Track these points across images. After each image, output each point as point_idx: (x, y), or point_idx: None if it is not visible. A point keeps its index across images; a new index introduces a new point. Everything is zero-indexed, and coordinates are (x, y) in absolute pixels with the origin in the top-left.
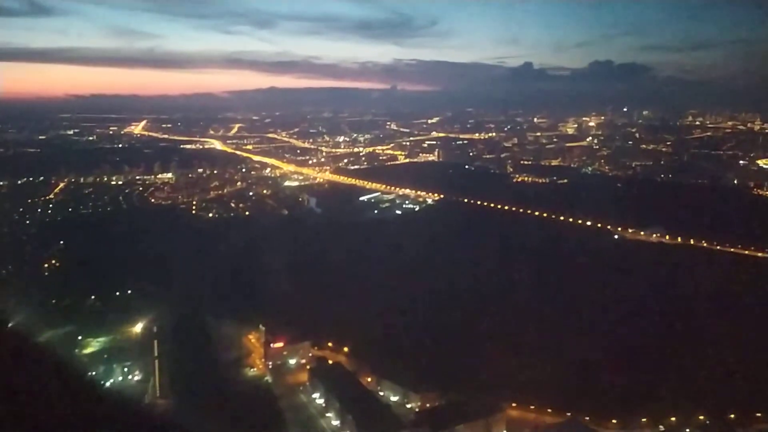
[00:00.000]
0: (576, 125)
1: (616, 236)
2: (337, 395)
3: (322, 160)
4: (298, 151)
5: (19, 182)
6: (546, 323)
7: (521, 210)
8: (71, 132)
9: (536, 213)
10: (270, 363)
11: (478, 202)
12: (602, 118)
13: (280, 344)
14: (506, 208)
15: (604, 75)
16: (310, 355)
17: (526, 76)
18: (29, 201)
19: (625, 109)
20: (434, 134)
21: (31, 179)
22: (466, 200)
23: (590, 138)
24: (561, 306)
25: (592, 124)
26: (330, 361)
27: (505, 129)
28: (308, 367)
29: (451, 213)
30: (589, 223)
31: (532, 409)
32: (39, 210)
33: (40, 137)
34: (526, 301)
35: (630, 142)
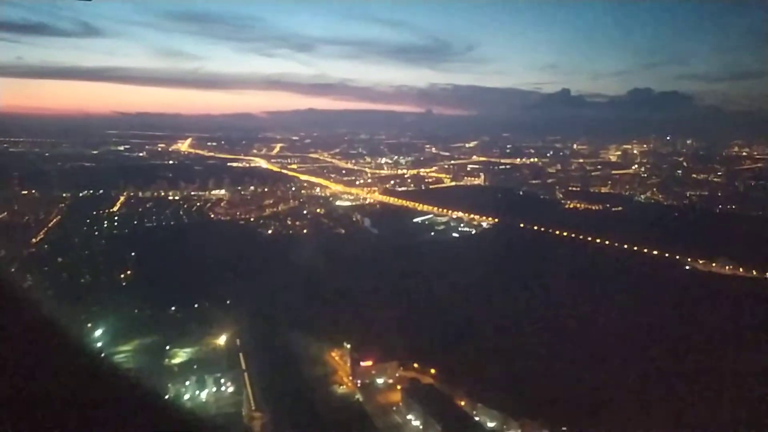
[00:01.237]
0: (619, 152)
1: (687, 267)
2: (436, 418)
3: (369, 180)
4: (343, 172)
5: (81, 195)
6: (648, 358)
7: (581, 237)
8: (122, 148)
9: (597, 240)
10: (358, 381)
11: (535, 227)
12: (644, 146)
13: (368, 363)
14: (564, 234)
15: (643, 103)
16: (397, 375)
17: (564, 103)
18: (94, 213)
19: (668, 138)
20: (475, 158)
21: (91, 192)
22: (522, 225)
23: (636, 166)
24: (664, 339)
25: (635, 152)
26: (422, 383)
27: (548, 155)
28: (398, 387)
29: (508, 237)
30: (655, 252)
31: None
32: (105, 222)
33: (93, 152)
34: (620, 332)
35: (679, 172)
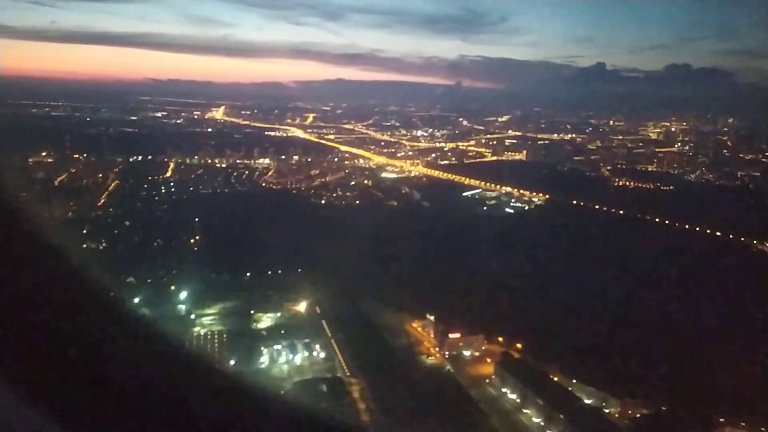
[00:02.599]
0: (659, 130)
1: (753, 249)
2: (534, 392)
3: (410, 153)
4: (382, 144)
5: (131, 160)
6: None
7: (639, 216)
8: (159, 114)
9: (656, 220)
10: (446, 353)
11: (590, 205)
12: (684, 124)
13: (457, 335)
14: (621, 212)
15: (682, 79)
16: (483, 348)
17: (599, 77)
18: (149, 178)
19: (709, 116)
20: (511, 132)
21: (140, 158)
22: (575, 202)
23: (679, 144)
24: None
25: (674, 129)
26: (514, 357)
27: (586, 131)
28: (487, 360)
29: (564, 214)
30: (718, 233)
31: (743, 426)
32: (162, 188)
33: (132, 118)
34: (709, 310)
35: (725, 151)
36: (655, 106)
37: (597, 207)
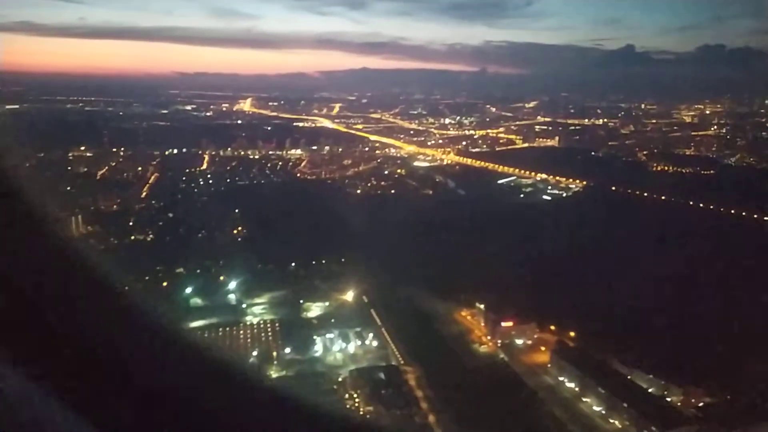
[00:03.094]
0: (692, 113)
1: None
2: (594, 380)
3: (440, 141)
4: (411, 132)
5: (167, 153)
6: None
7: (681, 201)
8: (189, 108)
9: (701, 205)
10: (499, 342)
11: (629, 191)
12: (718, 106)
13: (509, 323)
14: (663, 198)
15: (715, 60)
16: (536, 336)
17: (628, 60)
18: (187, 171)
19: (744, 97)
20: (540, 118)
21: (176, 151)
22: (614, 188)
23: (715, 127)
24: None
25: (708, 112)
26: (570, 345)
27: (618, 115)
28: (541, 348)
29: (604, 200)
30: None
31: None
32: (201, 180)
33: (163, 111)
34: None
35: (764, 133)
36: (688, 89)
37: (637, 193)
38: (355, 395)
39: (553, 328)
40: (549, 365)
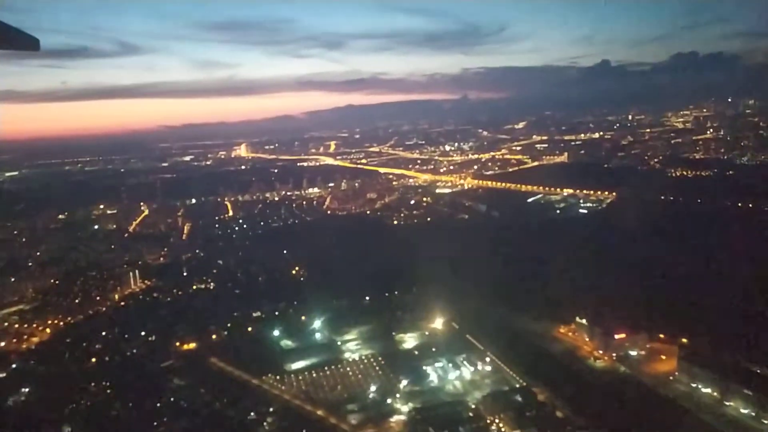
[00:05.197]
0: (681, 119)
1: None
2: (737, 384)
3: (451, 168)
4: (418, 162)
5: (187, 203)
6: None
7: (725, 203)
8: (188, 158)
9: (739, 204)
10: (614, 355)
11: (662, 198)
12: (704, 110)
13: (621, 336)
14: (699, 201)
15: (689, 67)
16: (648, 346)
17: (604, 74)
18: (216, 218)
19: (729, 100)
20: (536, 137)
21: (194, 201)
22: (645, 197)
23: (711, 130)
24: None
25: (697, 116)
26: (697, 353)
27: (614, 127)
28: (662, 357)
29: (642, 209)
30: None
31: None
32: (234, 226)
33: (163, 164)
34: None
35: (761, 132)
36: (670, 96)
37: (671, 198)
38: (497, 420)
39: (662, 336)
40: (676, 373)
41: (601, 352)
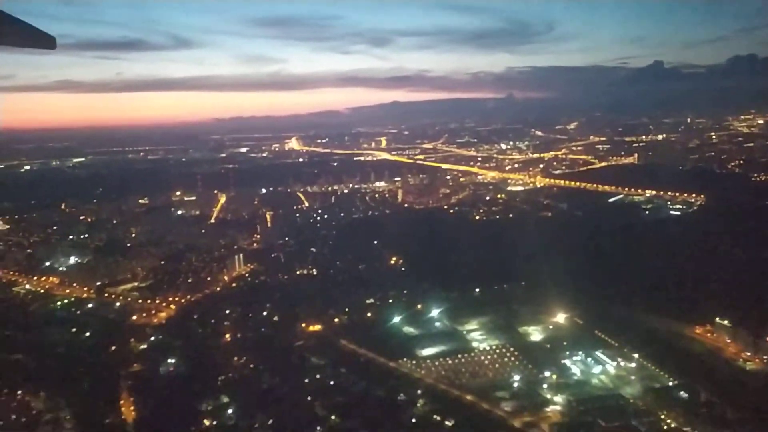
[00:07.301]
0: (745, 123)
1: None
2: None
3: (515, 166)
4: (479, 159)
5: (262, 192)
6: None
7: None
8: (243, 150)
9: None
10: (765, 357)
11: (755, 201)
12: (767, 115)
13: None
14: None
15: (747, 70)
16: None
17: (657, 76)
18: (295, 207)
19: None
20: (593, 138)
21: (264, 191)
22: (736, 200)
23: None
24: None
25: (761, 121)
26: None
27: (679, 129)
28: None
29: (734, 213)
30: None
31: None
32: (315, 215)
33: (221, 155)
34: None
35: None
36: (729, 100)
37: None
38: (662, 416)
39: None
40: None
41: (750, 354)
